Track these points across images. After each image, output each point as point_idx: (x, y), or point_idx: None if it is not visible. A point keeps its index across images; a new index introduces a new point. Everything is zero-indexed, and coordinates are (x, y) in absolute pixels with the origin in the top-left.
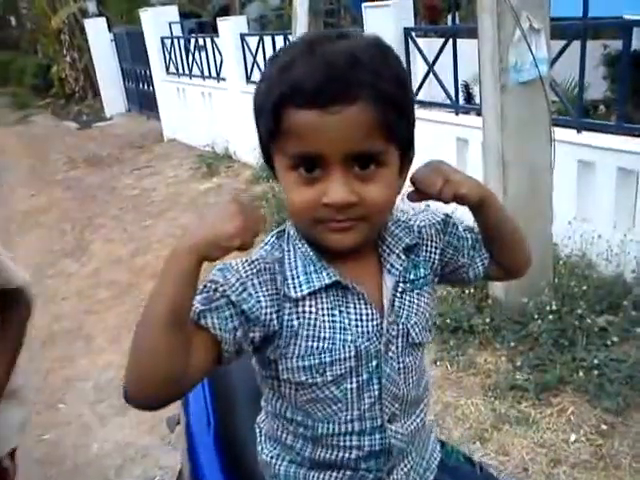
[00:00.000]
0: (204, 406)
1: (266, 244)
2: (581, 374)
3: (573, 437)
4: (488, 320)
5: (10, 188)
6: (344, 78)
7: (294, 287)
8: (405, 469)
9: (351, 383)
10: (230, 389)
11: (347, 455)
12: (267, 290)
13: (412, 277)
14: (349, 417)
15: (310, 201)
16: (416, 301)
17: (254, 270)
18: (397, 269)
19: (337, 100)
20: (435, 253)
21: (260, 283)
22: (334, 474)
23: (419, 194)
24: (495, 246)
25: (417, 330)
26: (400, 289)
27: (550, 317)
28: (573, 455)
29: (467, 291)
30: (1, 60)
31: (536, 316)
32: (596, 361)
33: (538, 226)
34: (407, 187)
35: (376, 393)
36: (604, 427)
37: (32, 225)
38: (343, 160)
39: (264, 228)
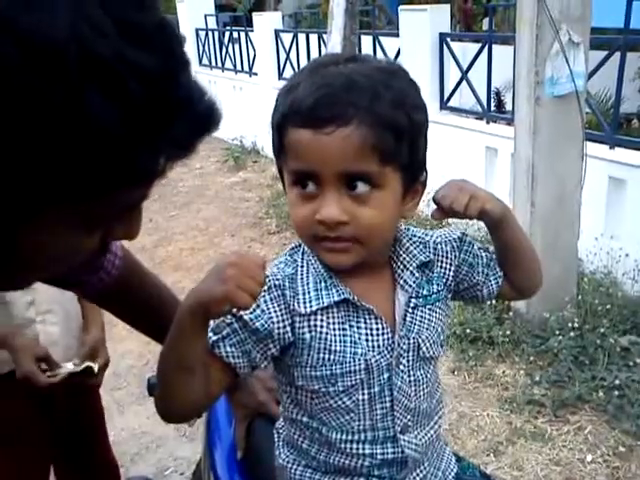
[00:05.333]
0: (227, 405)
1: (280, 262)
2: (601, 394)
3: (590, 457)
4: (508, 332)
5: None
6: (338, 99)
7: (304, 303)
8: (417, 478)
9: (362, 394)
10: None
11: (360, 462)
12: (278, 306)
13: (425, 292)
14: (361, 427)
15: (306, 217)
16: (427, 316)
17: (266, 287)
18: (410, 285)
19: (331, 121)
20: (450, 270)
21: (272, 299)
22: None
23: (443, 212)
24: (510, 265)
25: (428, 345)
26: (412, 304)
27: (571, 334)
28: (589, 475)
29: (488, 302)
30: None
31: (557, 332)
32: (617, 381)
33: (564, 240)
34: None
35: (388, 405)
36: (622, 449)
37: None
38: (336, 179)
39: (264, 288)
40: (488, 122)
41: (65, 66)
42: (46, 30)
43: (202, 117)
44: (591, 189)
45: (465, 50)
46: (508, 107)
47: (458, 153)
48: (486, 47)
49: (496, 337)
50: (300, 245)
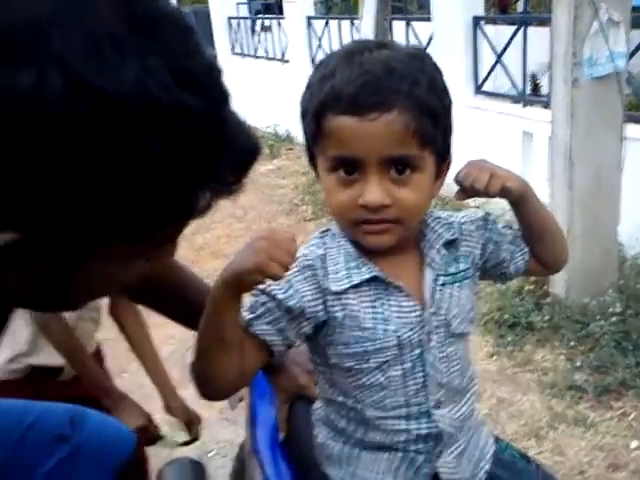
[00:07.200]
0: (268, 389)
1: (311, 244)
2: None
3: (634, 443)
4: (547, 318)
5: None
6: (381, 86)
7: (335, 281)
8: (455, 453)
9: (395, 371)
10: None
11: (396, 438)
12: (310, 285)
13: (452, 270)
14: (396, 403)
15: (347, 202)
16: (457, 294)
17: (298, 267)
18: (437, 263)
19: (374, 107)
20: (476, 248)
21: (304, 279)
22: (386, 455)
23: (465, 192)
24: (534, 240)
25: (458, 321)
26: (441, 282)
27: (613, 319)
28: (634, 461)
29: (526, 287)
30: None
31: (598, 317)
32: None
33: (604, 225)
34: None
35: (420, 380)
36: None
37: None
38: (379, 164)
39: (297, 269)
40: (524, 106)
41: (130, 118)
42: (115, 87)
43: (246, 151)
44: (632, 172)
45: (499, 33)
46: (544, 91)
47: (494, 138)
48: (521, 29)
49: (535, 322)
50: (329, 229)
